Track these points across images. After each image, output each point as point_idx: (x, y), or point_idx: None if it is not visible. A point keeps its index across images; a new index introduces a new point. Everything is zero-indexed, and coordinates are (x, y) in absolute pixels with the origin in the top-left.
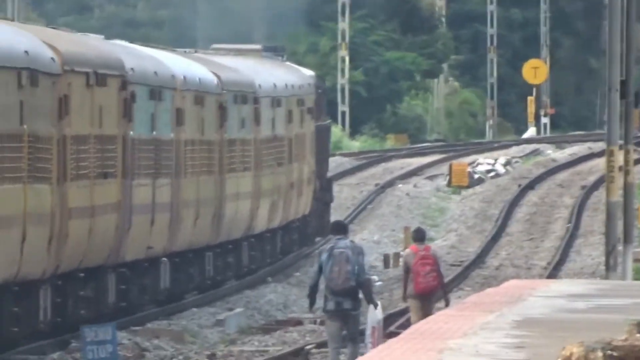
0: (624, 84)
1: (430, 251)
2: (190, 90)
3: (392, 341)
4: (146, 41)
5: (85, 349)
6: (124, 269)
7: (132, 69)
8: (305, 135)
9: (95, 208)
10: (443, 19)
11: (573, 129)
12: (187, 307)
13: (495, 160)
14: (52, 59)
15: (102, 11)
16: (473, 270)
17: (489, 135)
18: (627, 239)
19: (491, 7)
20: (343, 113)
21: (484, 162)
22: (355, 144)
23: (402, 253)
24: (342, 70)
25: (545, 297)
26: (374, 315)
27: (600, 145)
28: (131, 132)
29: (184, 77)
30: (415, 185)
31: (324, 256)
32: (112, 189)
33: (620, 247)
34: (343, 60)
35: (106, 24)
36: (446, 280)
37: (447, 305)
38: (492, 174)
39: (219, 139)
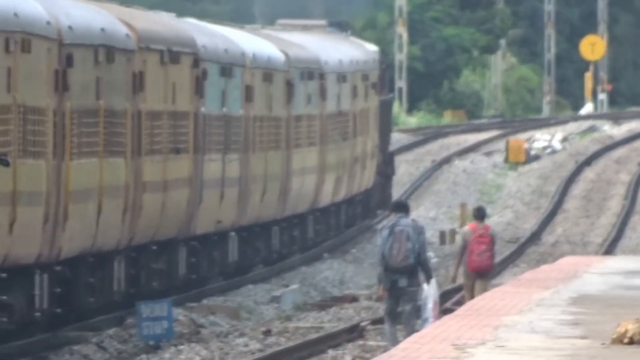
0: None
1: (489, 230)
2: (259, 68)
3: (447, 317)
4: (204, 16)
5: (141, 325)
6: (195, 242)
7: (203, 46)
8: (369, 110)
9: (167, 182)
10: None
11: (630, 105)
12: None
13: (552, 136)
14: (127, 35)
15: None
16: (529, 247)
17: (546, 112)
18: None
19: None
20: (400, 89)
21: (540, 138)
22: (413, 120)
23: (458, 230)
24: (400, 46)
25: (600, 273)
26: (435, 291)
27: None
28: (202, 109)
29: (253, 55)
30: (472, 162)
31: (385, 233)
32: (184, 164)
33: None
34: (400, 36)
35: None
36: (502, 256)
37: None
38: (549, 150)
39: (286, 115)
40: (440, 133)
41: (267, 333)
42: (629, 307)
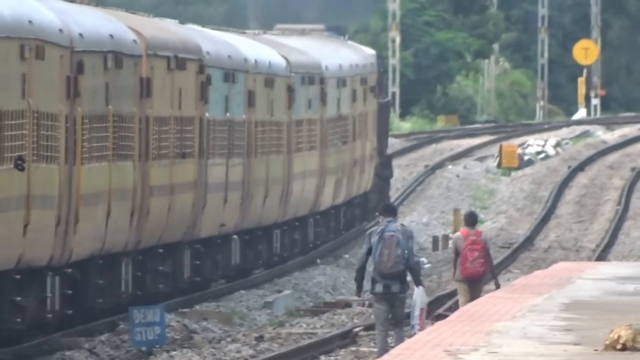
0: None
1: (481, 236)
2: (261, 73)
3: (440, 323)
4: (197, 19)
5: (134, 330)
6: (199, 245)
7: (208, 52)
8: (367, 113)
9: (174, 186)
10: (494, 0)
11: (623, 110)
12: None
13: (545, 141)
14: (134, 41)
15: None
16: (522, 253)
17: (539, 117)
18: None
19: None
20: (393, 94)
21: (534, 143)
22: (406, 125)
23: (451, 235)
24: (393, 51)
25: (593, 279)
26: (423, 297)
27: None
28: (207, 114)
29: (255, 61)
30: (465, 167)
31: (374, 239)
32: (189, 168)
33: None
34: (393, 41)
35: (158, 2)
36: (495, 262)
37: (497, 287)
38: (542, 155)
39: (287, 120)
40: (433, 138)
41: (260, 339)
42: (621, 313)
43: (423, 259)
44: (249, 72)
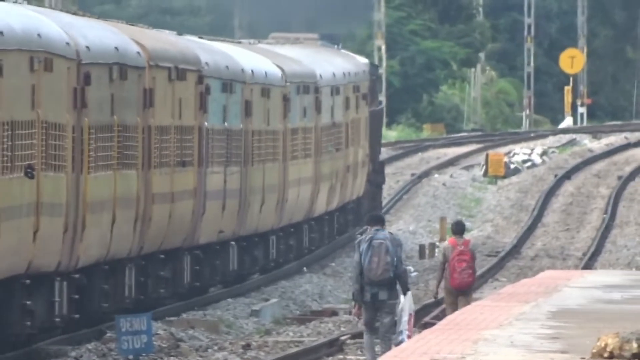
0: None
1: (469, 246)
2: (258, 83)
3: (427, 331)
4: (183, 30)
5: (120, 339)
6: (198, 251)
7: (206, 63)
8: (360, 120)
9: (174, 194)
10: (480, 8)
11: (610, 118)
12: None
13: (532, 150)
14: (138, 53)
15: None
16: (509, 261)
17: (525, 125)
18: None
19: None
20: (380, 102)
21: (520, 152)
22: (392, 134)
23: (437, 244)
24: (379, 59)
25: (580, 287)
26: (411, 303)
27: (637, 136)
28: (206, 123)
29: (252, 71)
30: (451, 176)
31: (363, 247)
32: (189, 176)
33: None
34: (379, 50)
35: (143, 12)
36: (481, 271)
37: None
38: (529, 164)
39: (283, 129)
40: (419, 147)
41: (247, 347)
42: (608, 321)
43: (410, 268)
44: (246, 83)
